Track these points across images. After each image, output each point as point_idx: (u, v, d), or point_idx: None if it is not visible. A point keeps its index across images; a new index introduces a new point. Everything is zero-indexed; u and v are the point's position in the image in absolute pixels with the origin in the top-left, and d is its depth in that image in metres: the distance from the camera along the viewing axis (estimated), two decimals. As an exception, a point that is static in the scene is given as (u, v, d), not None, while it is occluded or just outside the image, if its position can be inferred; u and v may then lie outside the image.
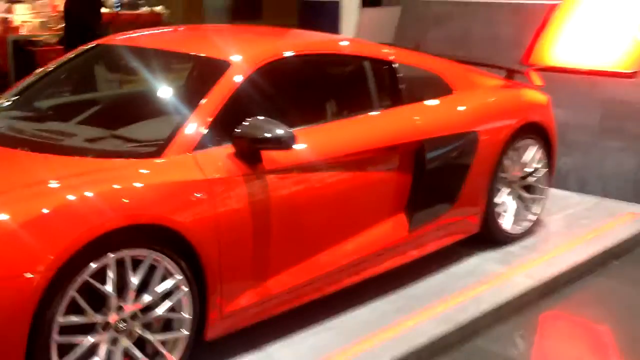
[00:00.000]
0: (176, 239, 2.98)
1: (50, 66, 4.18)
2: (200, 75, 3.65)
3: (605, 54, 6.15)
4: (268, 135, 3.21)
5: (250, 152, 3.27)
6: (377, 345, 3.53)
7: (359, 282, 3.90)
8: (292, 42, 4.19)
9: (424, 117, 4.19)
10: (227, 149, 3.27)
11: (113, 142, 3.35)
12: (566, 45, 6.37)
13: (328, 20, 8.11)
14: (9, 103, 3.97)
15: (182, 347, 3.08)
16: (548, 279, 4.37)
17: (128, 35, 4.24)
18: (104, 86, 4.31)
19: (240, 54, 3.64)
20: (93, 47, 4.20)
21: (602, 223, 5.33)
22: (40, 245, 2.61)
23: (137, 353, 2.94)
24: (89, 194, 2.80)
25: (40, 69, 4.20)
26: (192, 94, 3.54)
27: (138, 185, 2.96)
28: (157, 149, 3.18)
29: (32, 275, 2.57)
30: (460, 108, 4.45)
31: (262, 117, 3.28)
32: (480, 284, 4.24)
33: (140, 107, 3.67)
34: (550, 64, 6.34)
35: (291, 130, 3.26)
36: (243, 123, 3.25)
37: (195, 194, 3.07)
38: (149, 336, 2.96)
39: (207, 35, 4.18)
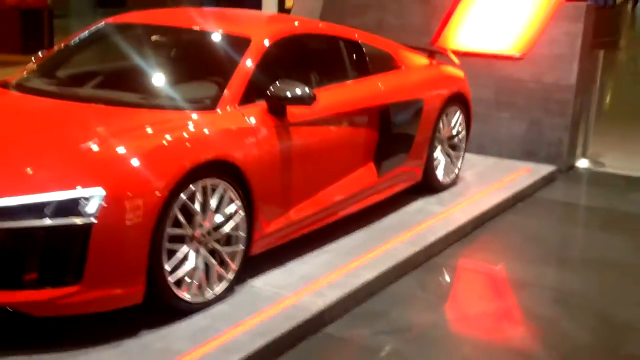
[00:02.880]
0: (236, 172, 3.82)
1: (72, 40, 4.82)
2: (227, 48, 4.43)
3: (499, 39, 7.46)
4: (291, 94, 4.11)
5: (278, 107, 4.15)
6: (367, 262, 4.50)
7: (346, 215, 4.88)
8: (293, 23, 5.08)
9: (387, 85, 5.21)
10: (261, 104, 4.14)
11: (165, 99, 4.10)
12: (467, 31, 7.62)
13: (250, 6, 8.94)
14: (39, 71, 4.59)
15: (239, 259, 3.92)
16: (477, 214, 5.55)
17: (141, 15, 4.97)
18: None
19: (261, 31, 4.51)
20: (110, 24, 4.87)
21: (505, 176, 6.62)
22: (160, 172, 3.40)
23: (212, 260, 3.76)
24: (180, 135, 3.61)
25: (61, 43, 4.83)
26: (224, 62, 4.33)
27: (209, 130, 3.78)
28: (211, 103, 4.00)
29: (157, 194, 3.35)
30: (411, 79, 5.53)
31: (288, 80, 4.17)
32: (430, 219, 5.34)
33: (177, 74, 4.45)
34: (454, 48, 7.57)
35: (311, 90, 4.16)
36: (273, 84, 4.12)
37: (246, 138, 3.93)
38: (219, 248, 3.79)
39: (224, 16, 4.96)
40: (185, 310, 3.64)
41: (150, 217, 3.34)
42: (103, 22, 4.91)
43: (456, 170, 6.15)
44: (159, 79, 4.44)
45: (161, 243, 3.43)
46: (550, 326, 4.10)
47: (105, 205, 3.22)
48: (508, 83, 7.38)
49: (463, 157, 6.25)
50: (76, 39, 4.85)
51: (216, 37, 4.55)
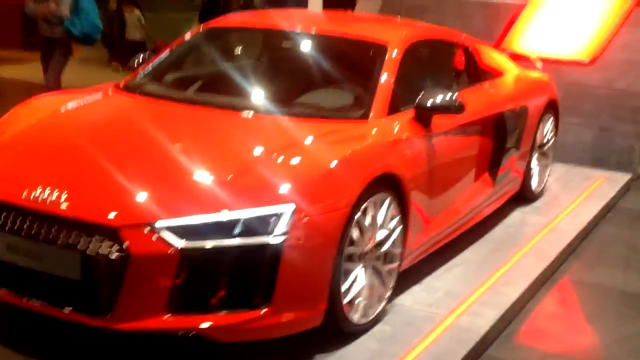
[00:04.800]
0: (396, 186, 3.58)
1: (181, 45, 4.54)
2: (365, 55, 4.15)
3: (567, 44, 7.32)
4: (442, 104, 3.87)
5: (425, 117, 3.93)
6: (503, 278, 4.28)
7: (470, 227, 4.67)
8: (422, 30, 4.85)
9: (501, 92, 5.03)
10: (407, 114, 3.91)
11: (316, 109, 3.85)
12: (533, 35, 7.47)
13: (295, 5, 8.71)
14: (154, 76, 4.31)
15: (394, 276, 3.69)
16: (585, 226, 5.38)
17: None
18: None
19: (396, 36, 4.26)
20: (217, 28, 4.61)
21: (586, 185, 6.44)
22: (344, 186, 3.17)
23: (376, 280, 3.53)
24: (357, 148, 3.38)
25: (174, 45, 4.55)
26: (364, 70, 4.07)
27: (376, 142, 3.55)
28: (363, 114, 3.76)
29: (342, 210, 3.11)
30: (517, 86, 5.34)
31: (434, 89, 3.94)
32: (538, 231, 5.14)
33: (311, 81, 4.17)
34: (519, 52, 7.41)
35: (458, 99, 3.93)
36: (423, 94, 3.88)
37: (403, 149, 3.70)
38: (380, 265, 3.56)
39: (353, 21, 4.69)
40: (351, 332, 3.41)
41: (336, 234, 3.11)
42: (210, 26, 4.64)
43: (545, 179, 5.99)
44: (302, 87, 4.12)
45: (341, 262, 3.20)
46: None
47: (296, 222, 2.97)
48: (574, 88, 7.23)
49: (550, 165, 6.10)
50: (184, 44, 4.56)
51: (352, 43, 4.27)
